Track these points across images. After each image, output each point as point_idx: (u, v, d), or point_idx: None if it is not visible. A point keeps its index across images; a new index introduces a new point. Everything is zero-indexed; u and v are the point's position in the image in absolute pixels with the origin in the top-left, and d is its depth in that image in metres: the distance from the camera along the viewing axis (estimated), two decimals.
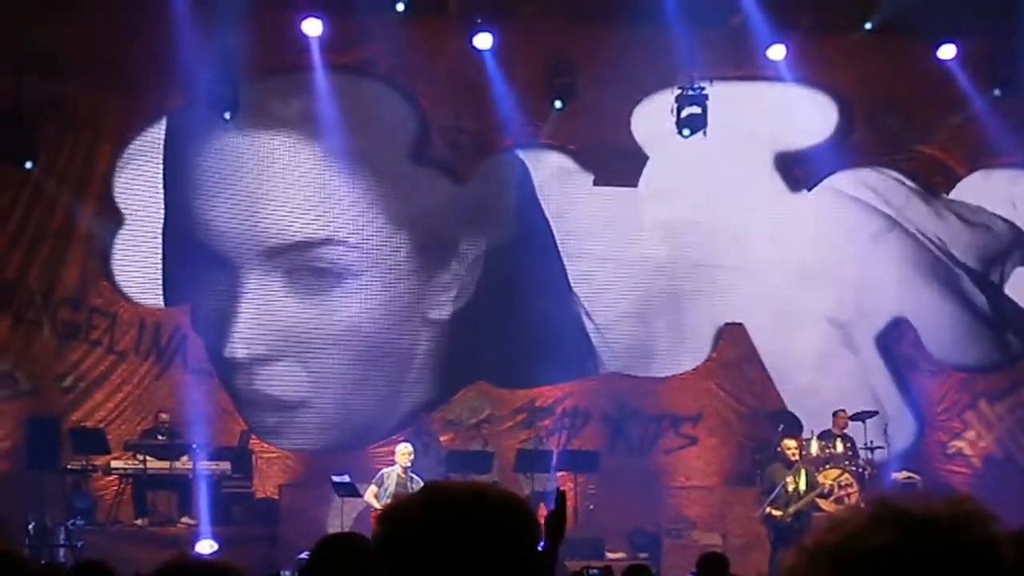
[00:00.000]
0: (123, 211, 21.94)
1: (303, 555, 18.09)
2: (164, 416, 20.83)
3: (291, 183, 22.13)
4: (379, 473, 19.06)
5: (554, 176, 22.94)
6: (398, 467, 18.91)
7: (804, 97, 22.68)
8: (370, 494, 18.78)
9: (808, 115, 22.78)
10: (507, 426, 22.41)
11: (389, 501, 17.87)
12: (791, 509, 18.71)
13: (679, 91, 22.11)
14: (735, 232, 22.86)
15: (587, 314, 22.71)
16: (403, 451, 19.13)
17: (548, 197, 22.85)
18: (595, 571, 9.91)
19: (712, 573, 9.95)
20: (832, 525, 1.81)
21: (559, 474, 20.73)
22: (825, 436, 21.11)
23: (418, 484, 18.56)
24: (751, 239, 22.90)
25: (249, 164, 21.98)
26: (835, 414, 21.23)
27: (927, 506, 1.80)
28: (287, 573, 12.15)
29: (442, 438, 21.84)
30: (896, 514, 1.78)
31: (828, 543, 1.79)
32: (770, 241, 22.84)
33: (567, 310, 22.40)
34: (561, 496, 5.87)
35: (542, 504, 20.25)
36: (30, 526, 18.81)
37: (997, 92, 22.10)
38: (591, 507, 21.28)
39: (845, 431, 21.16)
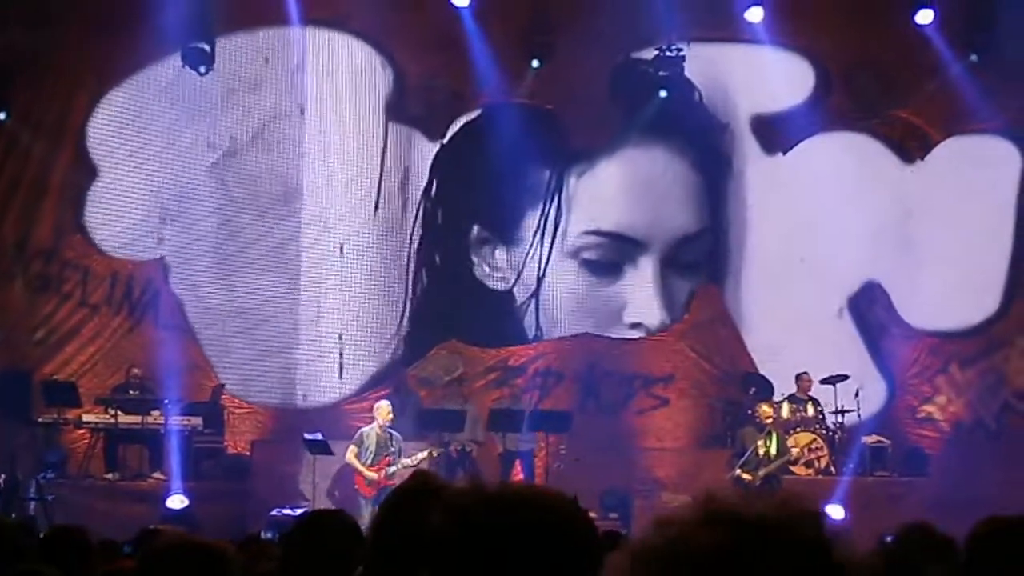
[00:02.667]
0: (97, 164, 21.82)
1: (275, 512, 18.24)
2: (136, 371, 20.78)
3: (266, 137, 22.04)
4: (358, 432, 19.04)
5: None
6: (376, 425, 18.89)
7: (781, 60, 22.65)
8: (351, 454, 18.77)
9: (785, 78, 22.76)
10: (479, 385, 22.41)
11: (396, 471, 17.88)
12: (761, 472, 18.80)
13: (656, 52, 22.08)
14: (711, 194, 22.91)
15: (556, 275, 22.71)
16: (382, 409, 19.09)
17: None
18: None
19: None
20: (659, 525, 1.79)
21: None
22: (795, 400, 21.19)
23: (397, 441, 18.61)
24: (726, 199, 22.93)
25: (225, 118, 21.88)
26: (799, 377, 21.30)
27: (755, 506, 1.78)
28: (269, 535, 12.10)
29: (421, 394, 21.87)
30: (725, 514, 1.76)
31: (655, 544, 1.77)
32: (745, 204, 22.86)
33: (542, 268, 22.39)
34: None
35: (517, 461, 20.38)
36: (0, 479, 18.76)
37: (974, 57, 22.08)
38: (561, 467, 21.32)
39: (811, 394, 21.23)
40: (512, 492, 2.40)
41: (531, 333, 22.74)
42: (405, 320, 22.42)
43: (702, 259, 23.16)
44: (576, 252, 22.97)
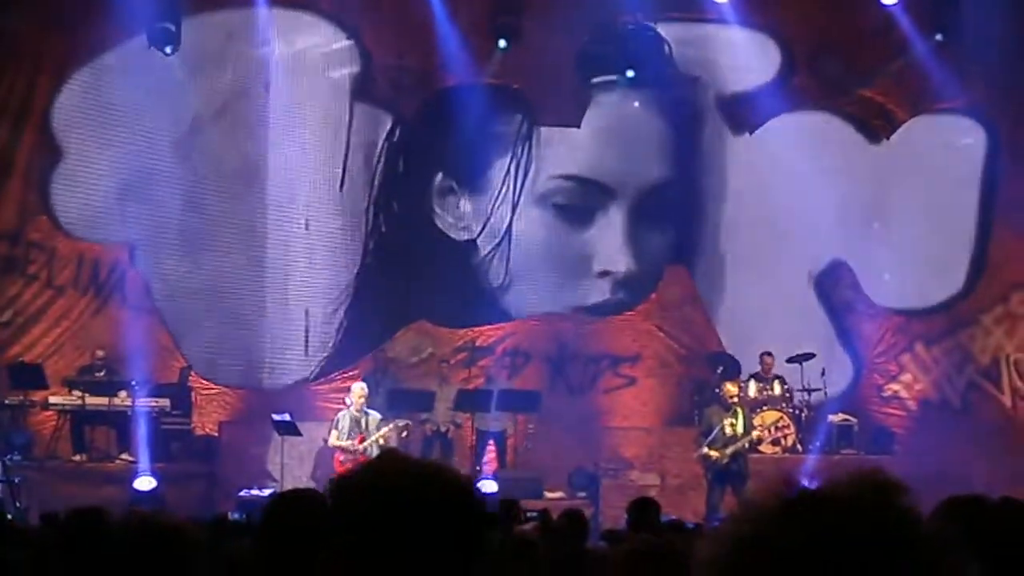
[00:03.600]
0: (62, 145, 21.74)
1: (243, 492, 18.26)
2: (100, 353, 20.74)
3: (231, 117, 21.98)
4: (335, 417, 19.15)
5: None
6: (352, 407, 18.99)
7: (746, 40, 22.67)
8: (332, 438, 18.94)
9: (750, 58, 22.78)
10: (448, 365, 22.41)
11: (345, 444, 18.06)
12: (728, 450, 18.86)
13: (623, 31, 22.10)
14: (678, 173, 22.93)
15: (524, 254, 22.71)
16: (356, 391, 19.20)
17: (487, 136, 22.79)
18: (532, 514, 9.93)
19: (644, 517, 10.01)
20: (744, 514, 1.79)
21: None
22: (761, 378, 21.27)
23: (374, 418, 18.71)
24: (692, 180, 22.96)
25: (190, 99, 21.81)
26: (762, 356, 21.40)
27: (838, 487, 1.78)
28: (236, 515, 12.13)
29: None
30: (809, 499, 1.77)
31: (745, 533, 1.76)
32: (713, 182, 22.89)
33: (508, 249, 22.37)
34: None
35: (490, 441, 20.43)
36: None
37: (939, 37, 22.11)
38: (529, 446, 21.39)
39: (774, 372, 21.32)
40: (394, 466, 2.46)
41: (497, 281, 22.47)
42: (371, 300, 22.32)
43: (672, 210, 22.98)
44: (544, 197, 22.83)
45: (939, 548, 1.74)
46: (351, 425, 18.88)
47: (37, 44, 21.59)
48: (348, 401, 19.14)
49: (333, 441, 18.97)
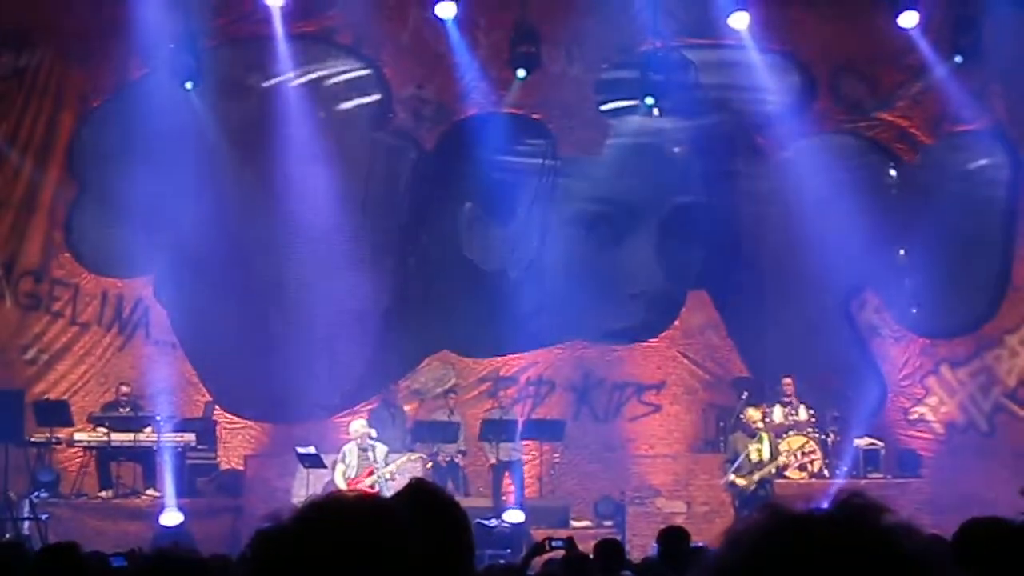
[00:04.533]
0: (85, 182, 21.86)
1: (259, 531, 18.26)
2: (125, 388, 20.82)
3: (253, 150, 22.02)
4: (341, 451, 19.18)
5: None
6: (357, 440, 19.04)
7: (767, 64, 22.64)
8: (338, 473, 18.98)
9: (771, 82, 22.75)
10: (472, 395, 22.41)
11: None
12: (755, 477, 18.81)
13: (642, 59, 22.11)
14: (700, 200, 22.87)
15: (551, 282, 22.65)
16: (354, 429, 19.33)
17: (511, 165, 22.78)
18: (558, 542, 9.88)
19: (674, 546, 9.96)
20: (728, 542, 1.80)
21: (524, 442, 20.88)
22: (786, 403, 21.23)
23: (381, 450, 18.73)
24: (714, 206, 22.87)
25: (211, 132, 21.86)
26: (783, 381, 21.38)
27: (821, 510, 1.79)
28: None
29: (407, 407, 21.86)
30: (791, 523, 1.77)
31: (730, 560, 1.77)
32: (735, 208, 22.82)
33: (532, 278, 22.31)
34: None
35: (507, 473, 20.41)
36: None
37: (958, 59, 22.08)
38: (555, 475, 21.39)
39: (795, 398, 21.27)
40: (319, 506, 2.40)
41: (524, 309, 22.20)
42: (395, 331, 22.30)
43: (694, 235, 22.85)
44: (569, 225, 22.70)
45: (924, 565, 1.74)
46: (359, 460, 18.89)
47: (59, 80, 21.74)
48: (354, 438, 19.18)
49: (338, 478, 18.91)
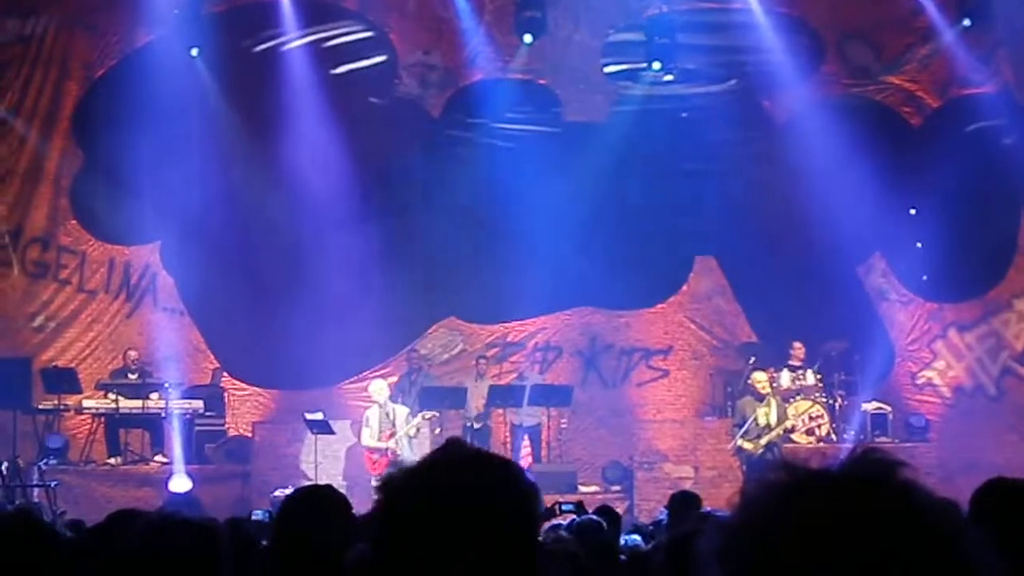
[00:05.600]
0: (91, 149, 21.84)
1: (277, 492, 18.30)
2: (132, 353, 20.85)
3: (258, 114, 21.97)
4: (364, 415, 19.27)
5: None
6: (377, 405, 19.10)
7: (774, 27, 22.55)
8: (365, 436, 19.16)
9: (778, 46, 22.67)
10: (486, 360, 22.38)
11: (376, 444, 18.17)
12: (762, 441, 18.82)
13: (649, 23, 22.06)
14: (707, 165, 22.79)
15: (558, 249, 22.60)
16: (376, 388, 19.37)
17: (517, 131, 22.75)
18: (568, 506, 9.91)
19: (684, 511, 9.96)
20: (745, 501, 1.79)
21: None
22: (794, 368, 21.22)
23: (401, 411, 18.83)
24: (721, 171, 22.80)
25: (216, 98, 21.83)
26: (792, 345, 21.38)
27: (837, 468, 1.78)
28: (259, 513, 12.15)
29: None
30: (807, 481, 1.76)
31: (747, 519, 1.76)
32: (742, 172, 22.75)
33: (539, 244, 22.26)
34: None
35: (526, 436, 20.44)
36: (3, 466, 18.78)
37: (967, 22, 22.01)
38: (562, 440, 21.41)
39: (806, 362, 21.29)
40: (443, 458, 2.43)
41: (530, 275, 21.98)
42: (403, 298, 22.23)
43: (701, 200, 22.66)
44: (575, 190, 22.44)
45: (940, 520, 1.73)
46: (381, 420, 18.97)
47: (64, 48, 21.71)
48: (375, 399, 19.24)
49: (366, 440, 19.07)
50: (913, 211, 22.67)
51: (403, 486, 2.39)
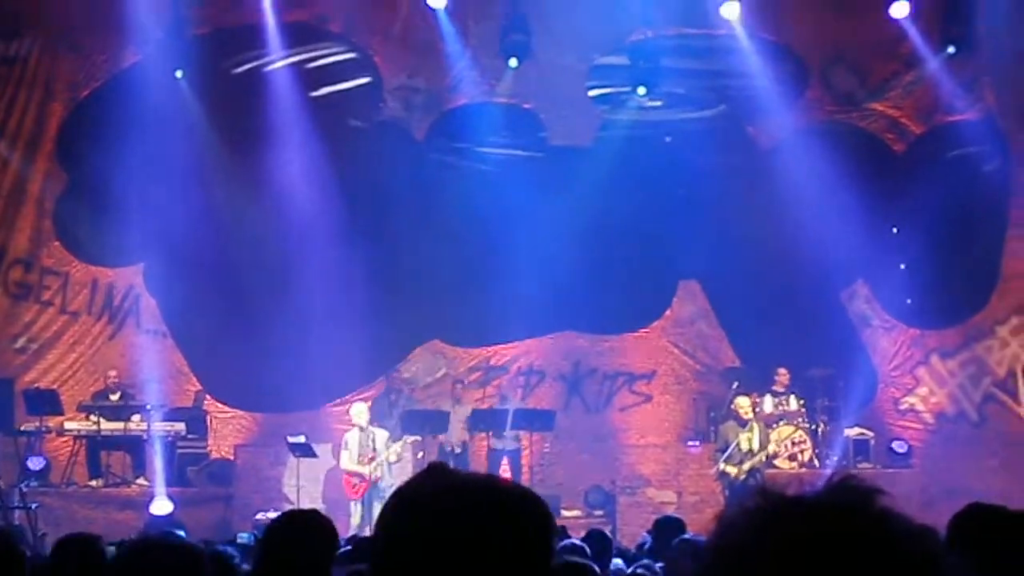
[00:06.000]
0: (74, 171, 21.83)
1: (259, 515, 18.27)
2: (112, 373, 20.83)
3: (242, 137, 21.96)
4: (343, 438, 19.21)
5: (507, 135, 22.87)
6: (357, 427, 19.04)
7: (758, 53, 22.61)
8: (344, 459, 19.08)
9: (762, 72, 22.72)
10: (463, 385, 22.34)
11: (362, 470, 18.06)
12: (745, 466, 18.83)
13: (633, 48, 22.11)
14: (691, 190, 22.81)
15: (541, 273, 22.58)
16: (356, 411, 19.29)
17: (501, 155, 22.77)
18: None
19: (668, 536, 9.95)
20: (722, 526, 1.79)
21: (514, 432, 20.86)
22: (776, 393, 21.24)
23: (381, 436, 18.79)
24: (705, 196, 22.81)
25: (200, 119, 21.82)
26: (776, 371, 21.40)
27: (814, 494, 1.78)
28: (244, 536, 12.14)
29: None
30: (784, 506, 1.76)
31: (723, 544, 1.76)
32: (726, 198, 22.75)
33: (522, 269, 22.24)
34: None
35: (505, 459, 20.41)
36: None
37: (951, 49, 22.09)
38: (544, 465, 21.38)
39: (789, 388, 21.31)
40: (461, 481, 2.40)
41: (512, 300, 21.96)
42: (385, 321, 22.18)
43: (684, 225, 22.60)
44: (559, 214, 22.46)
45: (917, 546, 1.73)
46: (361, 444, 18.90)
47: (48, 70, 21.71)
48: (356, 422, 19.18)
49: (345, 463, 18.99)
50: (896, 230, 22.71)
51: (410, 510, 2.36)
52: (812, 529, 1.71)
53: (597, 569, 6.98)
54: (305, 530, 5.29)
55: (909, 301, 22.81)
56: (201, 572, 3.82)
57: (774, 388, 21.35)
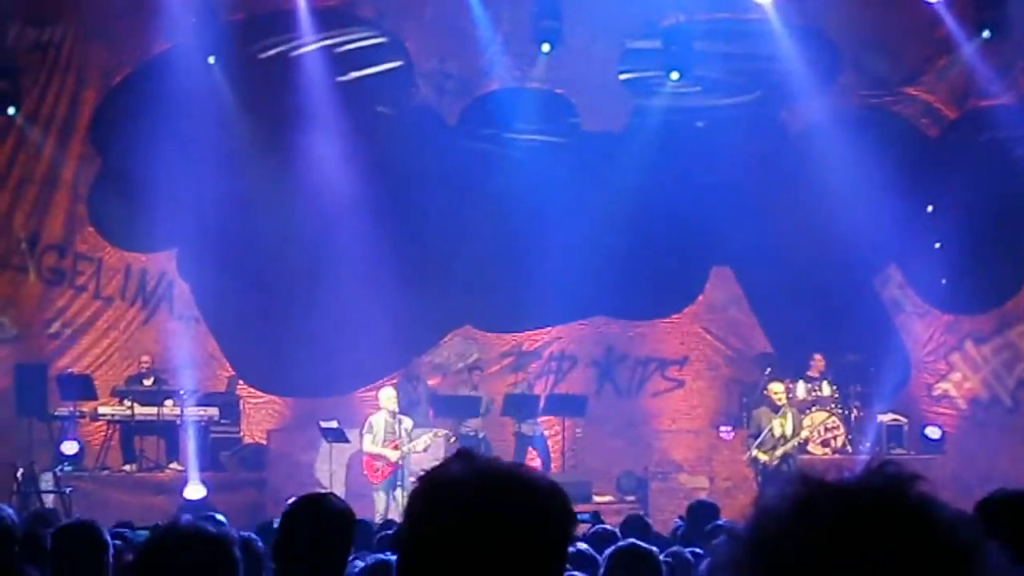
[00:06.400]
0: (108, 157, 21.89)
1: (292, 500, 18.31)
2: (145, 359, 20.90)
3: (276, 123, 21.98)
4: (367, 421, 19.13)
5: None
6: (384, 412, 18.96)
7: (791, 38, 22.52)
8: (366, 442, 18.89)
9: (795, 56, 22.63)
10: (494, 370, 22.39)
11: (392, 456, 18.01)
12: (778, 452, 18.78)
13: (666, 33, 22.06)
14: (723, 175, 22.74)
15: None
16: (385, 396, 19.18)
17: (533, 141, 22.75)
18: (585, 515, 9.90)
19: (702, 522, 9.94)
20: (759, 513, 1.78)
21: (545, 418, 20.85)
22: (810, 379, 21.19)
23: (407, 423, 18.69)
24: (737, 181, 22.75)
25: (232, 106, 21.85)
26: (811, 357, 21.35)
27: (852, 480, 1.77)
28: (277, 521, 12.19)
29: (430, 382, 21.82)
30: (822, 494, 1.75)
31: (761, 532, 1.75)
32: (759, 183, 22.69)
33: (554, 254, 22.21)
34: None
35: (529, 448, 20.38)
36: (18, 472, 18.83)
37: (986, 34, 21.97)
38: (576, 450, 21.39)
39: (825, 374, 21.27)
40: (487, 469, 2.42)
41: (545, 285, 21.90)
42: (417, 306, 22.17)
43: (717, 211, 22.54)
44: (590, 202, 22.41)
45: (957, 534, 1.72)
46: (385, 432, 18.82)
47: (81, 57, 21.76)
48: (384, 406, 19.10)
49: (368, 446, 18.87)
50: (930, 209, 22.61)
51: (436, 496, 2.38)
52: (850, 516, 1.70)
53: (659, 556, 6.96)
54: (321, 514, 5.28)
55: (944, 280, 22.66)
56: (231, 565, 3.82)
57: (809, 374, 21.30)
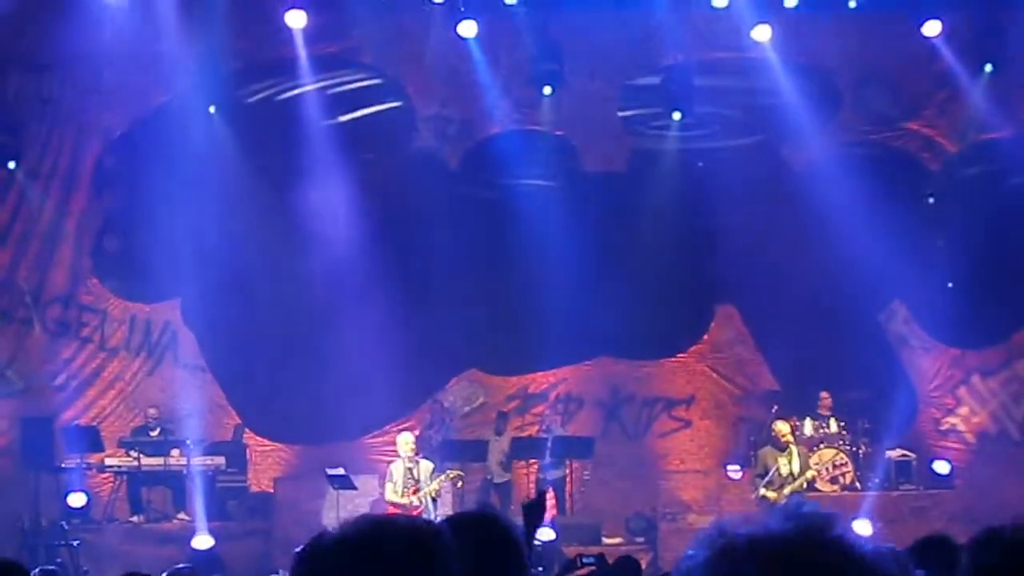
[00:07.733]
0: (110, 209, 21.93)
1: (299, 549, 18.24)
2: (152, 411, 20.89)
3: (278, 172, 22.04)
4: (388, 469, 19.09)
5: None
6: (403, 458, 18.91)
7: (790, 74, 22.54)
8: (388, 491, 18.83)
9: (794, 93, 22.64)
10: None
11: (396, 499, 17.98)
12: (785, 491, 18.71)
13: (665, 74, 22.10)
14: (726, 214, 22.76)
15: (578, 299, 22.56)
16: (402, 442, 19.14)
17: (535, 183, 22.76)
18: (589, 558, 9.89)
19: None
20: (682, 564, 1.80)
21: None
22: (817, 416, 21.15)
23: (426, 467, 18.63)
24: (739, 219, 22.75)
25: (235, 156, 21.90)
26: (818, 395, 21.31)
27: (770, 526, 1.78)
28: (283, 574, 12.18)
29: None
30: (742, 541, 1.76)
31: None
32: (761, 221, 22.70)
33: (559, 296, 22.20)
34: (541, 494, 5.93)
35: (551, 488, 20.24)
36: (25, 525, 18.81)
37: (989, 67, 22.03)
38: (583, 491, 21.33)
39: (832, 411, 21.23)
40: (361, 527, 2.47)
41: (552, 325, 21.97)
42: (422, 351, 22.17)
43: (721, 249, 22.59)
44: (593, 241, 22.42)
45: (874, 571, 1.72)
46: (405, 476, 18.80)
47: (80, 109, 21.80)
48: (402, 453, 19.07)
49: (389, 495, 18.88)
50: (940, 244, 22.57)
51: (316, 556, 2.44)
52: (767, 566, 1.71)
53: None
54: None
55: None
56: None
57: (818, 411, 21.26)
